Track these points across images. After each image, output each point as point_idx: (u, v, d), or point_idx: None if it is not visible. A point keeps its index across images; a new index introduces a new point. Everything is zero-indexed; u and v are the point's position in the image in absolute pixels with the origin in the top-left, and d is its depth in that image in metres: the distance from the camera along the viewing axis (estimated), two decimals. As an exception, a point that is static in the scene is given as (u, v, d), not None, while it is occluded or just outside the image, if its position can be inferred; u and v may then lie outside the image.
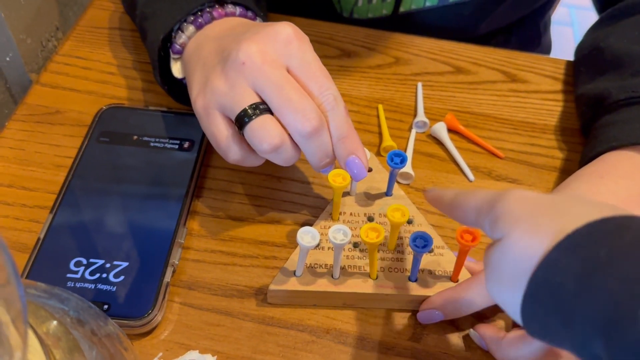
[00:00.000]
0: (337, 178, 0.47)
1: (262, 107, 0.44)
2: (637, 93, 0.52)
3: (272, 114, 0.44)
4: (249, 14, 0.53)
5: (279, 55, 0.45)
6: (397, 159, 0.48)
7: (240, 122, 0.44)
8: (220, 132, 0.46)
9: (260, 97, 0.44)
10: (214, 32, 0.50)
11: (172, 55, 0.52)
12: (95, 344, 0.36)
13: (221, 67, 0.45)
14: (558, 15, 0.97)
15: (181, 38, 0.51)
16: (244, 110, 0.44)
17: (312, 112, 0.43)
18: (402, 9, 0.72)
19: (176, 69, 0.53)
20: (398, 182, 0.55)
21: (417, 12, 0.71)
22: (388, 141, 0.57)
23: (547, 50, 0.90)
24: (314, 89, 0.45)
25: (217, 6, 0.51)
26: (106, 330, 0.36)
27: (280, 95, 0.43)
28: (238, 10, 0.52)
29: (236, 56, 0.44)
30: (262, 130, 0.43)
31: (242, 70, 0.44)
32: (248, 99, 0.44)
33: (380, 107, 0.61)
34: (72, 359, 0.33)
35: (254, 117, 0.43)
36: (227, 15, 0.51)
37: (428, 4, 0.71)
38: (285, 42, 0.45)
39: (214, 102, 0.45)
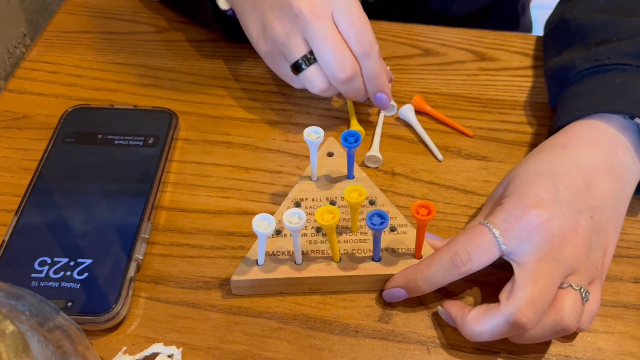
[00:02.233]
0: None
1: (312, 58, 0.51)
2: (600, 62, 0.52)
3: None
4: None
5: (326, 5, 0.50)
6: (351, 138, 0.48)
7: (297, 69, 0.52)
8: (288, 72, 0.54)
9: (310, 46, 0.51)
10: None
11: None
12: (46, 338, 0.36)
13: (275, 14, 0.51)
14: None
15: None
16: (297, 61, 0.52)
17: (347, 62, 0.51)
18: None
19: (222, 1, 0.57)
20: (366, 166, 0.55)
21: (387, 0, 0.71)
22: (356, 126, 0.57)
23: (527, 31, 0.90)
24: (351, 36, 0.51)
25: None
26: (56, 323, 0.36)
27: (324, 47, 0.50)
28: None
29: (290, 7, 0.50)
30: (312, 77, 0.52)
31: (295, 22, 0.50)
32: (301, 50, 0.51)
33: (350, 103, 0.61)
34: (17, 352, 0.33)
35: (305, 67, 0.52)
36: None
37: None
38: None
39: (275, 49, 0.53)
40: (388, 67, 0.57)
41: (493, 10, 0.82)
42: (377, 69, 0.53)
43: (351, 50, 0.51)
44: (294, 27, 0.51)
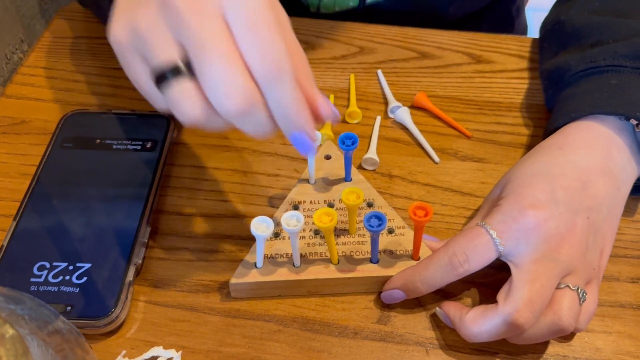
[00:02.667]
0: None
1: (184, 69, 0.35)
2: (596, 63, 0.52)
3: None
4: None
5: None
6: (348, 141, 0.48)
7: (159, 80, 0.36)
8: (147, 83, 0.37)
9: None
10: None
11: None
12: (46, 342, 0.36)
13: None
14: (539, 2, 0.97)
15: None
16: (161, 69, 0.35)
17: (240, 87, 0.34)
18: (369, 0, 0.72)
19: None
20: (364, 169, 0.55)
21: (385, 2, 0.71)
22: (353, 107, 0.58)
23: (522, 34, 0.90)
24: (252, 48, 0.34)
25: None
26: (55, 327, 0.36)
27: (202, 55, 0.34)
28: None
29: None
30: (181, 98, 0.35)
31: (166, 15, 0.35)
32: (168, 53, 0.35)
33: (352, 76, 0.62)
34: (17, 356, 0.33)
35: (170, 79, 0.35)
36: None
37: None
38: None
39: (132, 42, 0.36)
40: (327, 98, 0.40)
41: (488, 13, 0.82)
42: (289, 100, 0.36)
43: (251, 71, 0.35)
44: (161, 20, 0.35)
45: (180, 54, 0.35)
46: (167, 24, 0.35)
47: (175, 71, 0.35)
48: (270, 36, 0.35)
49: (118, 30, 0.37)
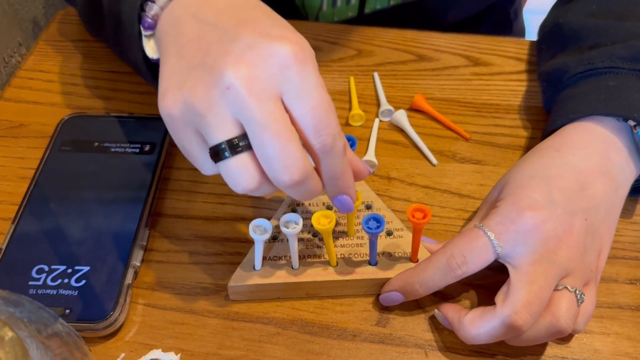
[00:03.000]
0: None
1: (242, 145, 0.37)
2: (594, 65, 0.52)
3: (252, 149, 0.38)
4: None
5: (271, 82, 0.37)
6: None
7: (216, 155, 0.38)
8: (200, 153, 0.40)
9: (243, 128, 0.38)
10: (192, 1, 0.42)
11: (143, 33, 0.46)
12: (45, 345, 0.36)
13: (201, 75, 0.38)
14: (536, 4, 0.97)
15: (152, 9, 0.44)
16: (220, 146, 0.37)
17: (296, 162, 0.37)
18: (367, 10, 0.72)
19: (150, 48, 0.46)
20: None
21: (384, 11, 0.72)
22: (356, 109, 0.59)
23: (520, 37, 0.90)
24: (308, 127, 0.37)
25: None
26: (55, 330, 0.37)
27: (262, 135, 0.36)
28: None
29: (221, 76, 0.37)
30: (239, 171, 0.37)
31: (225, 95, 0.37)
32: (227, 132, 0.37)
33: (352, 78, 0.62)
34: (17, 358, 0.33)
35: (228, 156, 0.37)
36: None
37: (392, 2, 0.71)
38: (281, 65, 0.37)
39: (188, 118, 0.38)
40: (364, 162, 0.45)
41: (486, 16, 0.82)
42: (340, 169, 0.40)
43: (306, 142, 0.38)
44: (222, 101, 0.37)
45: (239, 130, 0.37)
46: (226, 104, 0.37)
47: (232, 147, 0.37)
48: (325, 113, 0.38)
49: (171, 104, 0.38)
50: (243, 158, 0.37)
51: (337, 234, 0.49)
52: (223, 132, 0.37)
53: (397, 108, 0.60)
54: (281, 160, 0.37)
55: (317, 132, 0.37)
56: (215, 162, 0.38)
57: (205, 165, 0.40)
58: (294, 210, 0.50)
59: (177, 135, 0.40)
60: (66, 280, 0.46)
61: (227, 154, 0.37)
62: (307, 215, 0.50)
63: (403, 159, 0.57)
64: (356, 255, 0.47)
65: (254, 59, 0.37)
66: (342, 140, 0.39)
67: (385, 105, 0.60)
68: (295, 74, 0.37)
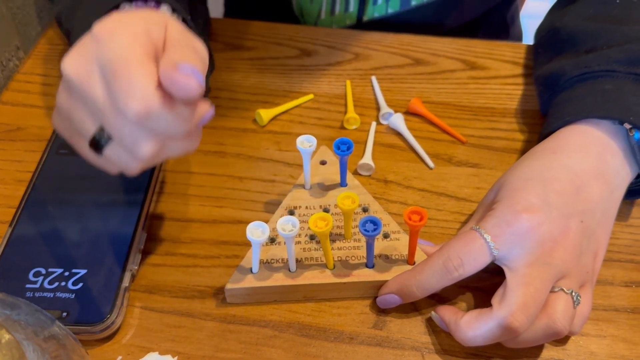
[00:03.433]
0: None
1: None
2: (590, 68, 0.53)
3: None
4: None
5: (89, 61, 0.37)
6: (343, 146, 0.48)
7: (97, 148, 0.40)
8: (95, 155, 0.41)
9: None
10: None
11: None
12: (42, 347, 0.36)
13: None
14: (533, 9, 0.97)
15: None
16: (94, 137, 0.39)
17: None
18: (365, 18, 0.72)
19: None
20: (359, 174, 0.56)
21: (381, 19, 0.72)
22: (351, 113, 0.59)
23: (517, 41, 0.90)
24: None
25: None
26: (52, 333, 0.37)
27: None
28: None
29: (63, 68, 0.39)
30: (117, 156, 0.40)
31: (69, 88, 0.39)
32: (90, 121, 0.39)
33: (348, 82, 0.63)
34: (12, 358, 0.33)
35: (104, 144, 0.39)
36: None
37: (390, 10, 0.72)
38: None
39: (67, 126, 0.41)
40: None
41: (482, 22, 0.83)
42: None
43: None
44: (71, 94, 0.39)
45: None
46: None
47: (104, 133, 0.39)
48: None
49: (55, 120, 0.41)
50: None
51: (334, 237, 0.49)
52: (87, 123, 0.39)
53: (394, 112, 0.60)
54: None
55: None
56: (99, 155, 0.40)
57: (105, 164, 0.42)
58: (291, 213, 0.50)
59: (77, 148, 0.42)
60: (63, 283, 0.46)
61: (102, 142, 0.39)
62: (304, 218, 0.50)
63: (400, 162, 0.57)
64: (353, 258, 0.47)
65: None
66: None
67: (385, 108, 0.60)
68: None
